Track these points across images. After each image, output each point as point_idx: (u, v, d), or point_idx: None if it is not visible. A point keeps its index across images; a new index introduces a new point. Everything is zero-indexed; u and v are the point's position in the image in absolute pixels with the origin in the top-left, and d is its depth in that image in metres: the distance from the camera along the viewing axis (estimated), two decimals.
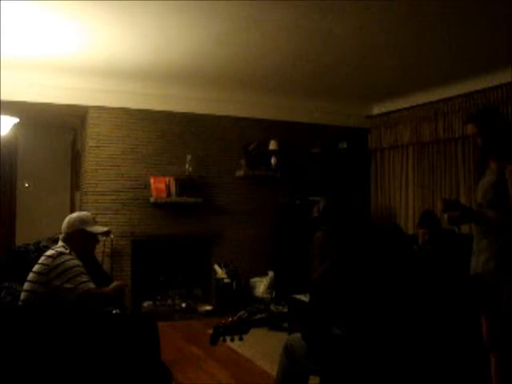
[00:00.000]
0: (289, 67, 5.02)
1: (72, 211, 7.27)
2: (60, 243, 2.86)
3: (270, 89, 5.87)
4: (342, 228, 2.30)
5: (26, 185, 7.20)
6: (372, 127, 6.79)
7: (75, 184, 7.01)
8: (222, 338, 2.21)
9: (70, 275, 2.65)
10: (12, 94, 5.08)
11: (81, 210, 6.02)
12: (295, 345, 2.36)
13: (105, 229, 3.05)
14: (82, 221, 2.91)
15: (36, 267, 2.72)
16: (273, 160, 6.24)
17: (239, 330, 2.22)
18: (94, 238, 2.97)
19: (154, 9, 3.57)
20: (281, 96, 6.14)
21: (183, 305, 5.70)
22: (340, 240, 2.27)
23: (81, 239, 2.87)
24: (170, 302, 5.76)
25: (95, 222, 3.01)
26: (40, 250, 3.19)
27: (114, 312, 2.99)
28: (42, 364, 2.46)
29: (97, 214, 5.57)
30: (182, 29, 4.00)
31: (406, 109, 6.11)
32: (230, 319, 2.24)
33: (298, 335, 2.36)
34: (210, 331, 2.25)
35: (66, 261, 2.69)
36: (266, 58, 4.72)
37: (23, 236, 6.33)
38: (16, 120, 5.07)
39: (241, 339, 2.21)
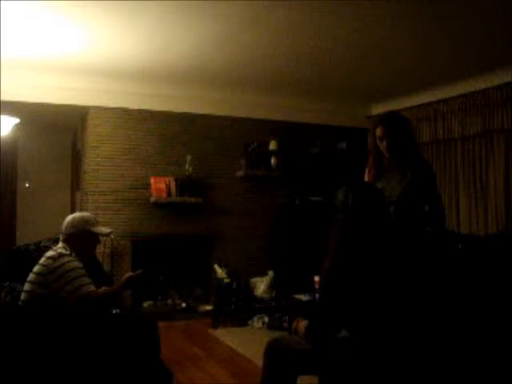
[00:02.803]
0: (289, 67, 5.02)
1: (72, 211, 7.28)
2: (60, 244, 2.84)
3: (270, 89, 5.87)
4: (367, 222, 2.17)
5: (27, 185, 7.21)
6: (372, 127, 6.78)
7: (75, 184, 7.01)
8: None
9: (70, 277, 2.64)
10: (12, 94, 5.08)
11: (81, 209, 6.02)
12: (287, 344, 2.33)
13: (108, 230, 3.04)
14: (86, 221, 2.89)
15: (36, 268, 2.71)
16: (273, 160, 6.24)
17: None
18: (96, 238, 2.95)
19: (154, 9, 3.57)
20: (281, 96, 6.14)
21: (183, 305, 5.70)
22: (363, 235, 2.16)
23: (83, 240, 2.85)
24: (170, 301, 5.76)
25: (97, 223, 3.00)
26: (40, 250, 3.19)
27: (113, 312, 3.00)
28: (41, 364, 2.46)
29: (97, 214, 5.56)
30: (182, 29, 4.00)
31: (405, 109, 6.11)
32: None
33: (284, 334, 2.33)
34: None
35: (67, 262, 2.68)
36: (266, 58, 4.72)
37: (24, 236, 6.34)
38: (16, 120, 5.07)
39: None
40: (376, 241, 2.15)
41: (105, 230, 3.01)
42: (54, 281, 2.63)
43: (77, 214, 2.99)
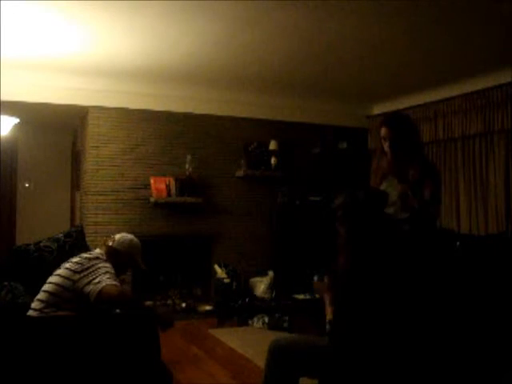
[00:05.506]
0: (289, 67, 5.02)
1: (72, 211, 7.28)
2: (98, 250, 2.93)
3: (271, 89, 5.87)
4: (363, 227, 2.13)
5: (27, 185, 7.21)
6: (372, 127, 6.79)
7: (75, 184, 7.01)
8: None
9: (98, 273, 2.70)
10: (12, 94, 5.08)
11: (81, 209, 6.02)
12: (291, 345, 2.32)
13: (144, 267, 3.12)
14: (132, 247, 3.02)
15: (69, 264, 2.76)
16: (273, 160, 6.24)
17: None
18: (131, 264, 3.08)
19: (154, 9, 3.57)
20: (281, 96, 6.15)
21: (183, 305, 5.69)
22: (361, 241, 2.13)
23: (121, 260, 2.95)
24: (170, 301, 5.76)
25: (139, 254, 3.10)
26: (40, 250, 3.20)
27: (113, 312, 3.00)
28: (41, 363, 2.46)
29: (97, 214, 5.58)
30: (183, 29, 4.00)
31: (405, 109, 6.11)
32: None
33: (287, 334, 2.31)
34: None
35: (100, 262, 2.77)
36: (266, 58, 4.73)
37: (23, 236, 6.34)
38: (16, 120, 5.07)
39: None
40: (381, 243, 2.12)
41: (141, 263, 3.09)
42: (85, 277, 2.68)
43: (129, 237, 3.09)
